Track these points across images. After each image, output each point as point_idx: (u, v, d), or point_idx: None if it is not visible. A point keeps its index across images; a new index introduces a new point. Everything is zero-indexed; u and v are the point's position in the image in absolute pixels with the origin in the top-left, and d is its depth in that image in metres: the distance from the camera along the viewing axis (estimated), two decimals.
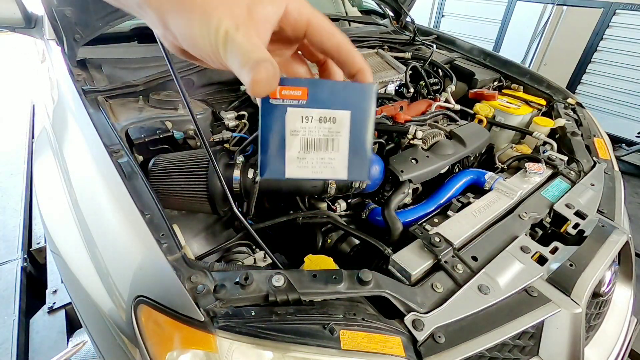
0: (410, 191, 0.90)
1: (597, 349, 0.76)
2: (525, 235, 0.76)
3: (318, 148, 0.31)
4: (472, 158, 1.07)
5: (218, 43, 0.27)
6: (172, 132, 0.89)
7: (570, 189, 0.91)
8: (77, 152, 0.81)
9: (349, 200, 0.94)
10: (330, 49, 0.32)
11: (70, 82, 0.94)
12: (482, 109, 1.23)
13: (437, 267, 0.67)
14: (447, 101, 1.24)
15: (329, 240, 0.84)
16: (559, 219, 0.83)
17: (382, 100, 1.19)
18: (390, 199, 0.83)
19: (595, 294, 0.76)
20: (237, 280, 0.54)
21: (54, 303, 1.42)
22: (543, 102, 1.33)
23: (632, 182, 2.90)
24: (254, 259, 0.72)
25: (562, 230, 0.80)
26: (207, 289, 0.53)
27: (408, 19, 1.67)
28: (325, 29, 0.31)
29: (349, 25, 1.70)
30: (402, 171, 0.85)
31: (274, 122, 0.30)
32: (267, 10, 0.28)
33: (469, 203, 0.85)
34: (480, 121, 1.20)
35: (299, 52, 0.36)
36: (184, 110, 0.96)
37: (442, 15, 4.53)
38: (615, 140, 3.26)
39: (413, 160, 0.89)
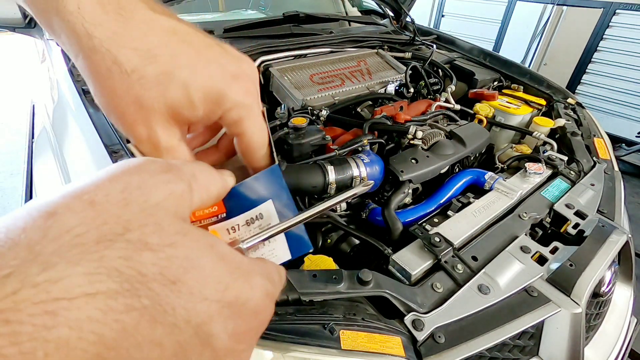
0: (410, 191, 0.90)
1: (597, 349, 0.76)
2: (525, 235, 0.76)
3: (255, 249, 0.28)
4: (472, 158, 1.07)
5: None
6: None
7: (570, 189, 0.91)
8: (77, 152, 0.81)
9: (349, 200, 0.94)
10: (244, 155, 0.30)
11: (70, 82, 0.94)
12: (482, 109, 1.23)
13: (437, 267, 0.67)
14: (447, 101, 1.24)
15: (329, 240, 0.84)
16: (559, 219, 0.83)
17: (382, 100, 1.19)
18: (390, 199, 0.83)
19: (595, 294, 0.76)
20: None
21: None
22: (543, 102, 1.33)
23: (632, 182, 2.90)
24: None
25: (562, 230, 0.80)
26: None
27: (408, 19, 1.67)
28: (255, 148, 0.29)
29: (349, 25, 1.70)
30: (402, 171, 0.85)
31: None
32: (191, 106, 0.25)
33: (469, 203, 0.84)
34: (480, 121, 1.20)
35: None
36: None
37: (442, 15, 4.53)
38: (615, 140, 3.26)
39: (413, 160, 0.88)
